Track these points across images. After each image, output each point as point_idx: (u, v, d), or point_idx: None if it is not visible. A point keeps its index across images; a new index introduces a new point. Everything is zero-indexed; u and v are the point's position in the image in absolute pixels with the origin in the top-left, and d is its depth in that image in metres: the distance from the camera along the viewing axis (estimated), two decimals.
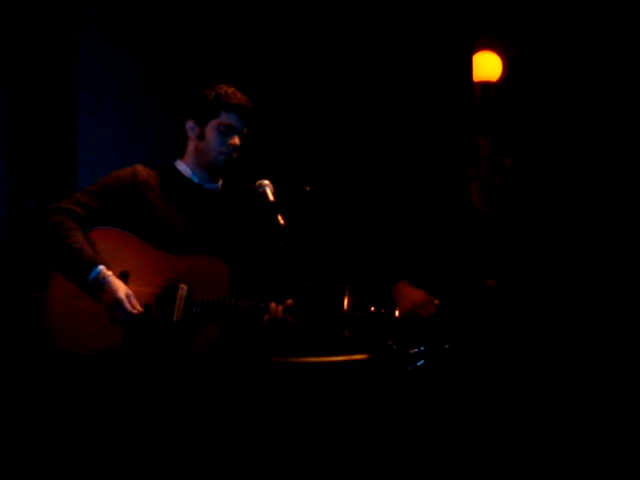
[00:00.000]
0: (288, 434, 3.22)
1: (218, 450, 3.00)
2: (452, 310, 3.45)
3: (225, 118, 3.22)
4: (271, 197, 3.09)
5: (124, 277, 3.04)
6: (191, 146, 3.28)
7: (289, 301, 3.03)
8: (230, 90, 3.26)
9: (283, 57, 4.71)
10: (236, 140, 3.22)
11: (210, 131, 3.23)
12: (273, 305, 3.02)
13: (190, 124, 3.27)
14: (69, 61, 4.40)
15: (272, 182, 3.14)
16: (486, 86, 5.67)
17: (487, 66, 5.61)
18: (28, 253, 3.97)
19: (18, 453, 3.38)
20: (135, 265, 3.06)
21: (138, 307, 2.98)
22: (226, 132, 3.22)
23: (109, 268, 3.01)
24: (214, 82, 3.32)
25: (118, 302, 2.96)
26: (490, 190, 3.73)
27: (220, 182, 3.31)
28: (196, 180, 3.26)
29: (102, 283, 2.97)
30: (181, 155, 3.30)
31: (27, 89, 4.31)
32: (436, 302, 3.47)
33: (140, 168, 3.23)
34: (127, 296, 2.98)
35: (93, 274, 2.98)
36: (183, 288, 3.03)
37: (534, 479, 3.48)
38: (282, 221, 3.02)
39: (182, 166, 3.28)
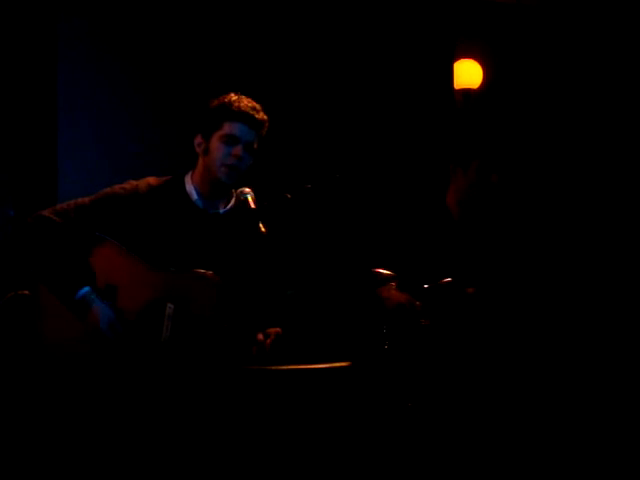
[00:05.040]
0: (273, 442, 3.22)
1: (200, 458, 2.99)
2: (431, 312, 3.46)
3: (227, 128, 3.04)
4: (252, 204, 3.06)
5: (112, 290, 2.99)
6: (199, 163, 3.12)
7: (276, 329, 3.00)
8: (234, 98, 3.08)
9: (264, 65, 4.71)
10: (238, 150, 3.03)
11: (214, 144, 3.06)
12: (260, 337, 2.97)
13: (197, 140, 3.11)
14: (49, 66, 4.38)
15: (253, 190, 3.14)
16: (467, 93, 5.70)
17: (468, 74, 5.64)
18: (8, 256, 3.95)
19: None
20: (124, 279, 3.00)
21: (121, 333, 2.94)
22: (229, 142, 3.04)
23: (98, 279, 2.97)
24: (221, 92, 3.13)
25: (100, 330, 2.93)
26: (470, 201, 3.74)
27: (231, 203, 3.15)
28: (200, 205, 3.11)
29: (88, 305, 2.94)
30: (192, 171, 3.14)
31: (6, 95, 4.29)
32: (418, 304, 3.48)
33: (144, 185, 3.09)
34: (110, 324, 2.94)
35: (80, 294, 2.94)
36: (170, 307, 2.97)
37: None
38: (263, 229, 3.01)
39: (189, 185, 3.12)
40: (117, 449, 2.91)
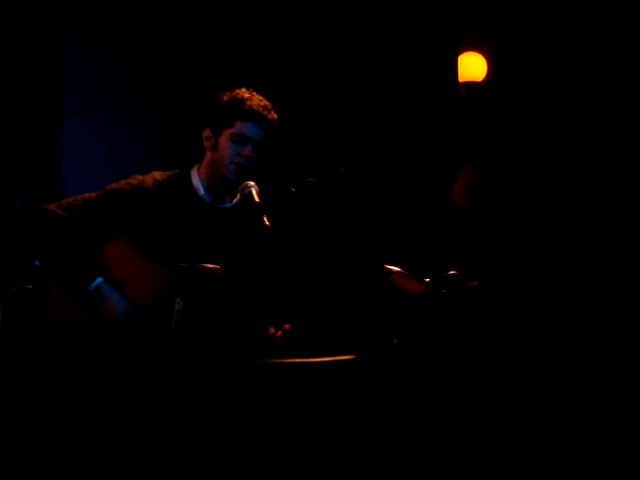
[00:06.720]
0: (278, 437, 3.22)
1: (202, 453, 2.99)
2: (436, 308, 3.47)
3: (239, 127, 3.02)
4: (256, 198, 3.05)
5: (120, 286, 2.98)
6: (207, 157, 3.10)
7: (287, 326, 2.98)
8: (247, 95, 3.05)
9: (268, 58, 4.71)
10: (247, 151, 3.02)
11: (224, 141, 3.04)
12: (272, 330, 2.97)
13: (206, 133, 3.09)
14: (53, 63, 4.39)
15: (257, 183, 3.13)
16: (471, 86, 5.70)
17: (472, 66, 5.64)
18: (13, 249, 3.96)
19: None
20: (132, 275, 2.99)
21: (135, 323, 2.93)
22: (240, 142, 3.02)
23: (105, 275, 2.95)
24: (234, 86, 3.10)
25: (116, 319, 2.92)
26: (479, 194, 3.76)
27: (237, 197, 3.13)
28: (208, 200, 3.09)
29: (102, 295, 2.92)
30: (199, 164, 3.13)
31: (11, 89, 4.30)
32: (432, 294, 3.49)
33: (151, 179, 3.08)
34: (127, 313, 2.94)
35: (93, 285, 2.92)
36: (179, 302, 2.96)
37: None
38: (268, 222, 3.00)
39: (196, 179, 3.10)
40: (125, 445, 2.91)
